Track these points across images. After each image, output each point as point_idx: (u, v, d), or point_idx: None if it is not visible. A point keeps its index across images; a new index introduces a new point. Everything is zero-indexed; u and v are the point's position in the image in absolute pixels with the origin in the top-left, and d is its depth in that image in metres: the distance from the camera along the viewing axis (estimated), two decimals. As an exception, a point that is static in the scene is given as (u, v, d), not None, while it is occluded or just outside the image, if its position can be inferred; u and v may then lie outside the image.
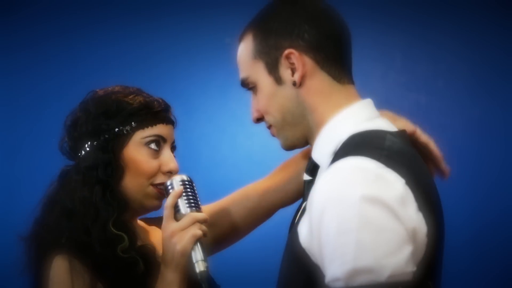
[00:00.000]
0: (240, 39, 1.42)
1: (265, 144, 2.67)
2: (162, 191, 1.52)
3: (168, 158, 1.54)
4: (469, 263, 2.54)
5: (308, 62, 1.32)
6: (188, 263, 1.43)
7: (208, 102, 2.82)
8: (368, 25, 2.64)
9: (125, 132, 1.52)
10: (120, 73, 2.74)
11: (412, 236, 1.14)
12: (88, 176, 1.51)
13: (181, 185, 1.48)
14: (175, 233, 1.44)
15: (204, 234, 1.45)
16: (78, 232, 1.47)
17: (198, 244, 1.44)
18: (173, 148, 1.59)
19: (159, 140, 1.54)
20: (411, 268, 1.13)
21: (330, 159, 1.28)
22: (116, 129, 1.52)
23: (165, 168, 1.53)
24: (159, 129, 1.54)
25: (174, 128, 1.60)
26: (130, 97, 1.55)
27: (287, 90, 1.33)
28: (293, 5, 1.36)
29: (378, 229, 1.12)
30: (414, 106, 2.75)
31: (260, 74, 1.36)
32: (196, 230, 1.44)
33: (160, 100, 1.57)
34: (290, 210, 1.64)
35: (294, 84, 1.32)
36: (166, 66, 2.82)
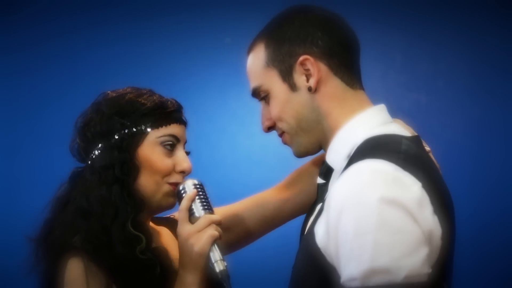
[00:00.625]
0: (250, 50, 1.43)
1: (265, 144, 2.67)
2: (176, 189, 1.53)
3: (182, 158, 1.55)
4: (469, 263, 2.54)
5: (323, 68, 1.35)
6: (206, 264, 1.44)
7: (208, 102, 2.82)
8: (368, 25, 2.64)
9: (139, 131, 1.53)
10: (120, 73, 2.75)
11: (428, 238, 1.16)
12: (105, 175, 1.50)
13: (194, 188, 1.50)
14: (192, 235, 1.45)
15: (220, 236, 1.46)
16: (96, 232, 1.46)
17: (215, 245, 1.45)
18: (187, 153, 1.59)
19: (173, 140, 1.55)
20: (426, 270, 1.14)
21: (345, 162, 1.30)
22: (131, 129, 1.53)
23: (179, 167, 1.54)
24: (173, 129, 1.55)
25: (186, 128, 1.61)
26: (143, 97, 1.56)
27: (302, 96, 1.36)
28: (306, 13, 1.39)
29: (395, 230, 1.13)
30: (414, 106, 2.75)
31: (273, 82, 1.38)
32: (213, 231, 1.45)
33: (173, 101, 1.59)
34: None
35: (310, 89, 1.35)
36: (166, 66, 2.82)
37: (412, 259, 1.12)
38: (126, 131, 1.52)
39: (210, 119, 2.79)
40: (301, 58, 1.34)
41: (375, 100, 1.43)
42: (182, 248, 1.46)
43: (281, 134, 1.42)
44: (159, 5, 2.84)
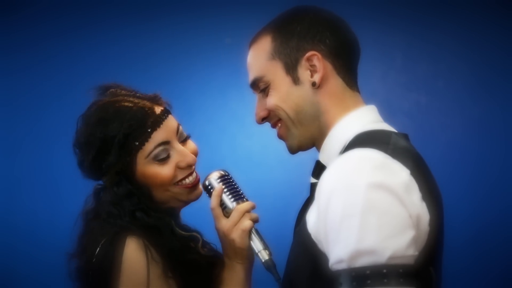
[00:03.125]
0: (254, 41, 1.45)
1: (265, 144, 2.67)
2: (188, 186, 1.55)
3: (180, 155, 1.54)
4: (469, 263, 2.54)
5: (328, 66, 1.39)
6: (251, 252, 1.49)
7: (208, 102, 2.82)
8: (368, 25, 2.64)
9: (128, 159, 1.51)
10: (120, 73, 2.74)
11: (416, 222, 1.18)
12: (123, 209, 1.51)
13: (219, 182, 1.52)
14: (230, 231, 1.48)
15: (256, 221, 1.50)
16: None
17: (254, 232, 1.49)
18: (186, 139, 1.58)
19: (163, 147, 1.52)
20: (412, 252, 1.15)
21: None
22: (119, 162, 1.51)
23: (182, 164, 1.54)
24: (156, 136, 1.52)
25: (171, 114, 1.58)
26: (112, 126, 1.50)
27: (304, 91, 1.39)
28: (315, 13, 1.43)
29: (382, 212, 1.15)
30: (414, 106, 2.75)
31: (277, 74, 1.40)
32: (247, 222, 1.48)
33: (146, 103, 1.54)
34: (293, 211, 1.64)
35: (314, 84, 1.38)
36: (166, 66, 2.82)
37: (397, 241, 1.14)
38: (116, 165, 1.51)
39: (210, 119, 2.79)
40: (308, 54, 1.38)
41: (375, 100, 1.43)
42: (223, 243, 1.50)
43: (275, 124, 1.44)
44: (159, 5, 2.84)
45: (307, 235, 1.27)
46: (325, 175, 1.24)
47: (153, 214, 1.51)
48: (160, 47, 2.84)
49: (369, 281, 1.12)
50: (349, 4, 2.57)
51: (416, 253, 1.16)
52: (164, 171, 1.52)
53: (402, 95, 2.75)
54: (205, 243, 1.56)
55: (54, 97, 2.77)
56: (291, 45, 1.39)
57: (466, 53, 2.72)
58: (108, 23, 2.83)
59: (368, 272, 1.13)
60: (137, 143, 1.50)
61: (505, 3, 2.69)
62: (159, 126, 1.53)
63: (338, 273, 1.16)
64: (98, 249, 1.45)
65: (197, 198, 1.58)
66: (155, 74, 2.77)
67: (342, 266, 1.15)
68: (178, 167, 1.54)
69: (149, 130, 1.51)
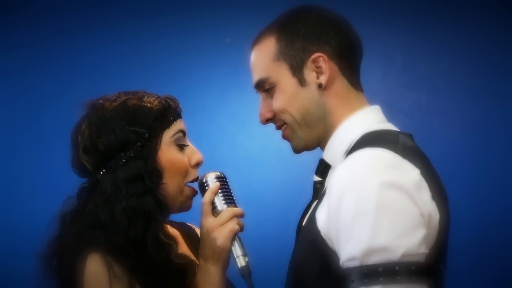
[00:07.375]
0: (257, 42, 1.45)
1: (265, 144, 2.67)
2: (195, 190, 1.54)
3: (192, 151, 1.56)
4: (469, 263, 2.54)
5: (333, 67, 1.39)
6: (228, 256, 1.46)
7: (208, 102, 2.82)
8: (369, 25, 2.64)
9: (155, 136, 1.51)
10: (120, 73, 2.75)
11: (427, 221, 1.20)
12: (133, 187, 1.47)
13: (217, 181, 1.51)
14: (214, 229, 1.46)
15: (241, 228, 1.48)
16: (117, 244, 1.43)
17: (237, 238, 1.47)
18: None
19: (182, 134, 1.55)
20: (423, 250, 1.17)
21: (343, 158, 1.32)
22: (145, 135, 1.50)
23: (193, 161, 1.55)
24: (179, 124, 1.56)
25: None
26: (144, 100, 1.53)
27: (310, 92, 1.39)
28: (319, 13, 1.42)
29: (395, 211, 1.17)
30: (414, 106, 2.75)
31: (282, 76, 1.40)
32: (234, 225, 1.46)
33: (171, 97, 1.59)
34: (293, 211, 1.64)
35: (320, 86, 1.38)
36: (166, 66, 2.82)
37: (409, 239, 1.15)
38: (142, 139, 1.50)
39: (210, 119, 2.79)
40: (314, 55, 1.38)
41: (375, 100, 1.44)
42: (204, 240, 1.47)
43: (280, 127, 1.44)
44: (159, 5, 2.84)
45: (317, 232, 1.27)
46: (337, 174, 1.25)
47: (159, 205, 1.49)
48: (160, 47, 2.84)
49: (381, 278, 1.14)
50: (349, 4, 2.57)
51: (427, 251, 1.18)
52: (183, 160, 1.53)
53: (403, 95, 2.76)
54: (179, 255, 1.52)
55: (54, 96, 2.77)
56: (296, 46, 1.39)
57: (466, 53, 2.72)
58: (108, 23, 2.82)
59: (380, 269, 1.14)
60: (167, 121, 1.53)
61: (505, 3, 2.69)
62: (180, 118, 1.57)
63: (350, 270, 1.17)
64: (64, 263, 1.46)
65: (189, 208, 1.56)
66: (155, 74, 2.78)
67: (354, 263, 1.16)
68: (189, 165, 1.54)
69: (175, 115, 1.55)
